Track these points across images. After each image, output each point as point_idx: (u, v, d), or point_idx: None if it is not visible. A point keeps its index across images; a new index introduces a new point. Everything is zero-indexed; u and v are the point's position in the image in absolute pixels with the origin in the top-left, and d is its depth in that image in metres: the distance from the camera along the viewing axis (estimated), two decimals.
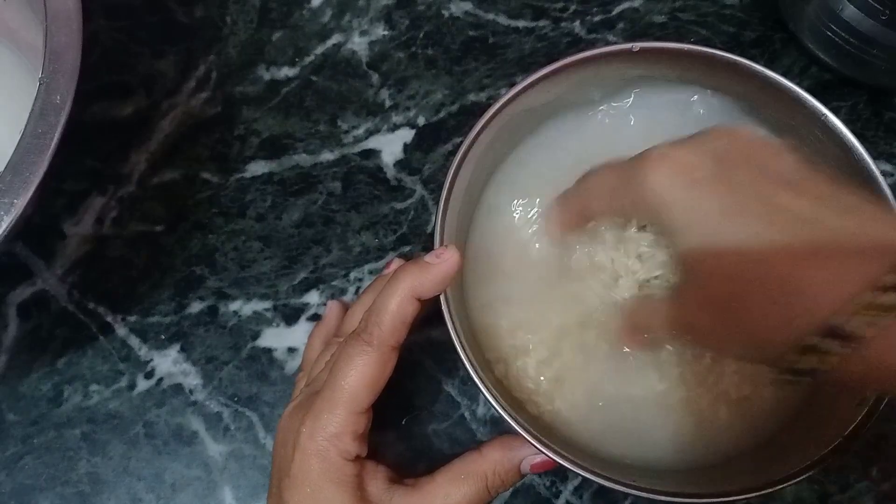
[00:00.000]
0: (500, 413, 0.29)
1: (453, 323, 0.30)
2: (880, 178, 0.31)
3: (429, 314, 0.31)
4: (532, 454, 0.32)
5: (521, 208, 0.36)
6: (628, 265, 0.33)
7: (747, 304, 0.26)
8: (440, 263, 0.30)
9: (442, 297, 0.31)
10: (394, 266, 0.39)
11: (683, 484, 0.31)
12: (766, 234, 0.26)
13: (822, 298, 0.24)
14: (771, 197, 0.26)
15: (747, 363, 0.33)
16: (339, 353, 0.31)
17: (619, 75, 0.35)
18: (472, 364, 0.30)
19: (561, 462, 0.29)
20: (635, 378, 0.34)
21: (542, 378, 0.34)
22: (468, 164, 0.32)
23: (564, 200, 0.35)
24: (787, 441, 0.32)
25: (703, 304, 0.28)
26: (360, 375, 0.30)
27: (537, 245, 0.36)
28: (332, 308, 0.40)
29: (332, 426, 0.29)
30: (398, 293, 0.30)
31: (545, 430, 0.33)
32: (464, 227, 0.36)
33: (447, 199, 0.32)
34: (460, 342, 0.30)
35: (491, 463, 0.32)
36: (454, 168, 0.32)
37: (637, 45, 0.33)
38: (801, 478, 0.29)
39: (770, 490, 0.29)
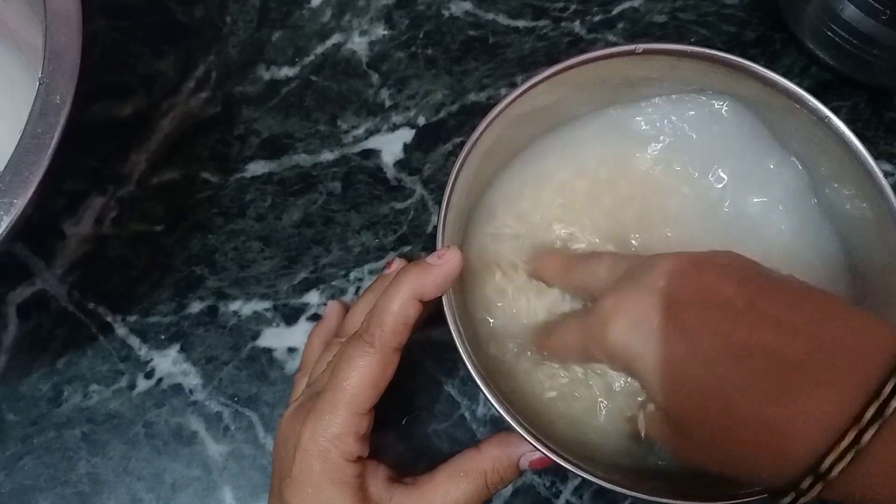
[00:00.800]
0: (499, 413, 0.29)
1: (455, 323, 0.30)
2: (882, 180, 0.31)
3: (430, 314, 0.31)
4: (530, 451, 0.32)
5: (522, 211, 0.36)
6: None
7: (729, 447, 0.25)
8: (442, 264, 0.30)
9: (444, 297, 0.31)
10: (395, 266, 0.39)
11: (683, 486, 0.31)
12: (733, 376, 0.24)
13: (800, 438, 0.23)
14: (728, 336, 0.25)
15: None
16: (340, 354, 0.31)
17: (622, 77, 0.35)
18: (473, 364, 0.30)
19: (559, 462, 0.29)
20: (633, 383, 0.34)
21: (543, 379, 0.34)
22: (470, 165, 0.32)
23: (539, 343, 0.34)
24: None
25: (687, 444, 0.27)
26: (362, 377, 0.30)
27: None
28: (332, 308, 0.40)
29: (333, 427, 0.29)
30: (400, 294, 0.30)
31: (544, 430, 0.33)
32: (465, 227, 0.36)
33: (449, 200, 0.32)
34: (462, 342, 0.30)
35: (490, 460, 0.32)
36: (457, 168, 0.32)
37: (640, 47, 0.33)
38: None
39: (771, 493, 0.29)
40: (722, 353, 0.25)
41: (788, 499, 0.24)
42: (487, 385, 0.30)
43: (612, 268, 0.30)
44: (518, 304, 0.35)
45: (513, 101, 0.33)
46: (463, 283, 0.35)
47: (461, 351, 0.30)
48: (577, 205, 0.36)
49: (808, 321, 0.24)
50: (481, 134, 0.32)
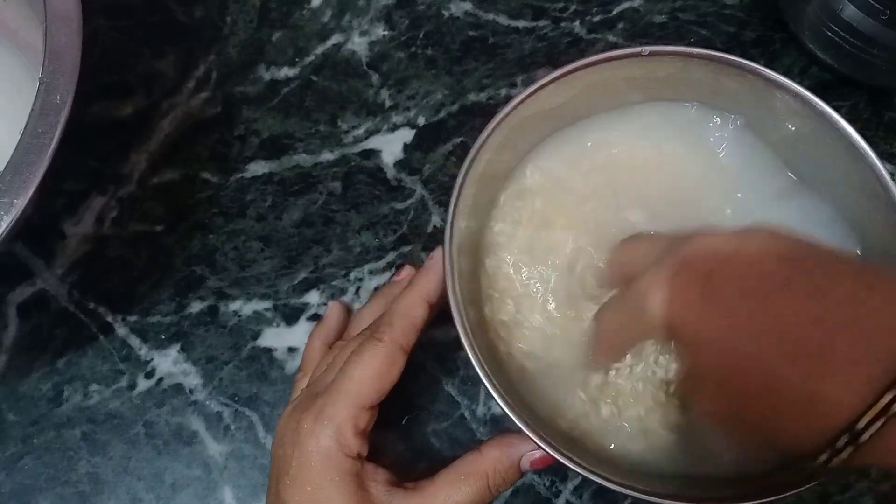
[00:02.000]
0: (502, 410, 0.29)
1: (461, 319, 0.30)
2: (888, 181, 0.31)
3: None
4: (531, 450, 0.32)
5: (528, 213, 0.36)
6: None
7: (763, 416, 0.26)
8: (437, 261, 0.32)
9: (450, 293, 0.31)
10: (404, 273, 0.39)
11: (684, 487, 0.31)
12: (766, 344, 0.25)
13: (835, 406, 0.23)
14: (763, 306, 0.25)
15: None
16: (346, 350, 0.31)
17: (626, 78, 0.35)
18: (478, 360, 0.30)
19: (560, 459, 0.29)
20: (635, 382, 0.34)
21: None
22: (476, 166, 0.33)
23: (595, 344, 0.34)
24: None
25: (720, 416, 0.28)
26: (367, 367, 0.30)
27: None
28: (333, 308, 0.40)
29: (336, 418, 0.30)
30: (408, 298, 0.31)
31: (545, 429, 0.33)
32: (472, 233, 0.36)
33: (456, 203, 0.32)
34: (468, 337, 0.30)
35: (491, 461, 0.32)
36: (463, 171, 0.32)
37: (647, 49, 0.33)
38: (805, 486, 0.28)
39: (772, 497, 0.29)
40: (760, 326, 0.25)
41: (825, 456, 0.24)
42: (492, 381, 0.30)
43: (650, 249, 0.31)
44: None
45: (520, 104, 0.33)
46: (468, 281, 0.35)
47: (466, 346, 0.30)
48: (581, 206, 0.36)
49: (846, 294, 0.24)
50: (488, 136, 0.32)
